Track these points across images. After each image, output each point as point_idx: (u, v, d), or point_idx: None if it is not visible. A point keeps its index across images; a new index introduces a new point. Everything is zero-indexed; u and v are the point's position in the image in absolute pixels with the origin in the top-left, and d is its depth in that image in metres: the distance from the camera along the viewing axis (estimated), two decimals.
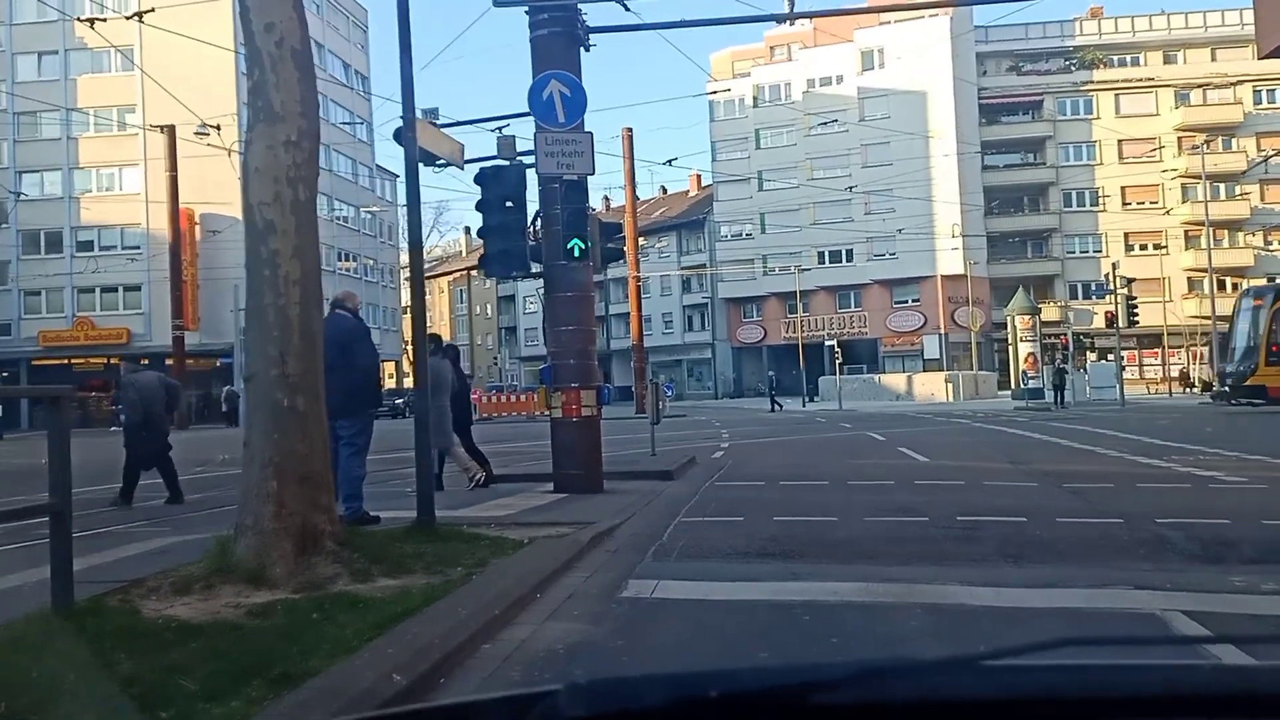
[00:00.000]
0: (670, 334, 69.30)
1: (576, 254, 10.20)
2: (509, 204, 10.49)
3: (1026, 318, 44.31)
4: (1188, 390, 49.73)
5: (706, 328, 67.17)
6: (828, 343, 49.44)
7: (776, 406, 42.34)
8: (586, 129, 10.38)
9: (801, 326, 56.43)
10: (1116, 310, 32.66)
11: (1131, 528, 7.91)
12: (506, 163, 10.61)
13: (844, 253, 59.37)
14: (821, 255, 59.52)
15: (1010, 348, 44.84)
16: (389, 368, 64.96)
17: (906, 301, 58.20)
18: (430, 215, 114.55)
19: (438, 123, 10.72)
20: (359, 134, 58.24)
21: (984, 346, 57.50)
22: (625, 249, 11.29)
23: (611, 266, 15.77)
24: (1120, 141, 56.80)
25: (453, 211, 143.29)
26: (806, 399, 48.23)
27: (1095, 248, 57.56)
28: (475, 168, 10.74)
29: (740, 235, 63.08)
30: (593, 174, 10.43)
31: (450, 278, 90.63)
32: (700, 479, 12.41)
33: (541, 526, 8.06)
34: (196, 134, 33.32)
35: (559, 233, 10.30)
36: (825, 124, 56.84)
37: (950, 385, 47.52)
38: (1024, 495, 10.18)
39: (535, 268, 10.78)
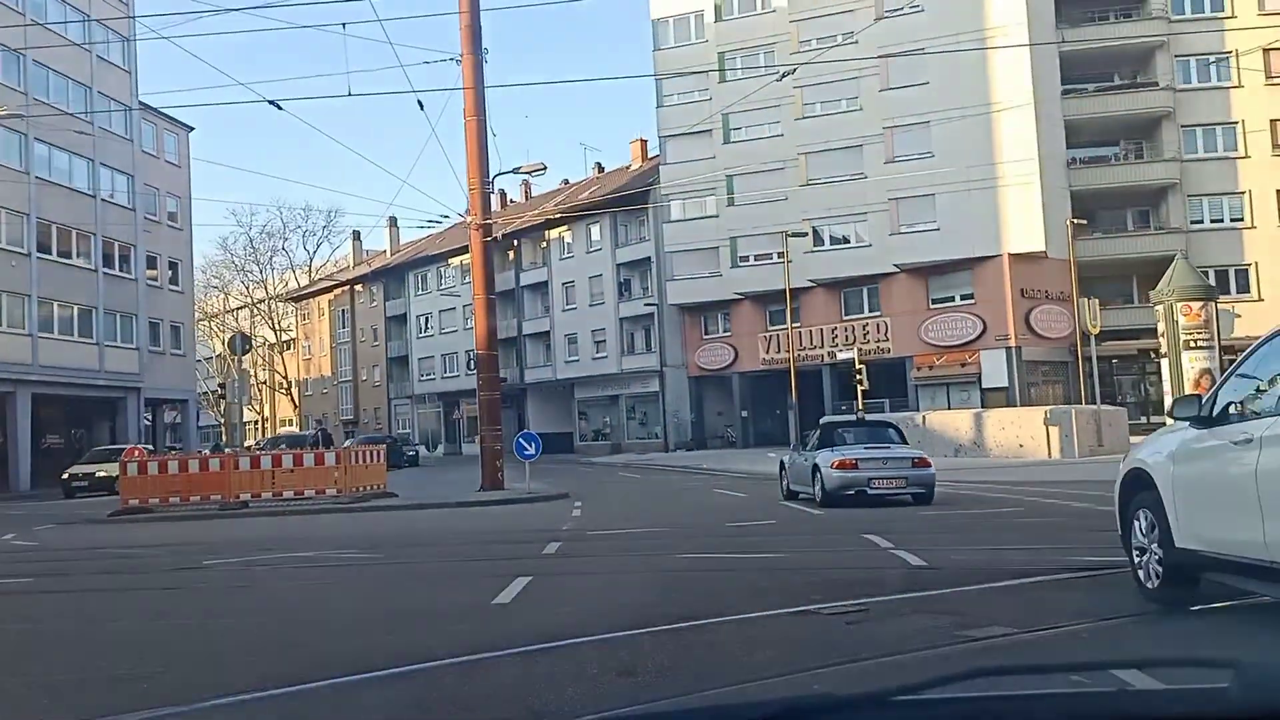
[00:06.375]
0: (603, 359, 48.97)
1: None
2: None
3: (1196, 305, 25.12)
4: None
5: (653, 349, 46.95)
6: (842, 355, 29.69)
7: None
8: None
9: (792, 342, 36.57)
10: None
11: None
12: None
13: (853, 230, 39.59)
14: (819, 234, 39.71)
15: (1165, 359, 25.42)
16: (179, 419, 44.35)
17: (953, 299, 38.25)
18: (320, 222, 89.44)
19: None
20: (104, 50, 37.48)
21: (1068, 366, 37.92)
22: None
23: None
24: (1266, 51, 37.43)
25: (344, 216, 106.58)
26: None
27: (1234, 214, 38.07)
28: None
29: (698, 215, 43.33)
30: None
31: (330, 296, 70.16)
32: None
33: None
34: None
35: None
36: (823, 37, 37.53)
37: (1057, 430, 27.40)
38: None
39: None
